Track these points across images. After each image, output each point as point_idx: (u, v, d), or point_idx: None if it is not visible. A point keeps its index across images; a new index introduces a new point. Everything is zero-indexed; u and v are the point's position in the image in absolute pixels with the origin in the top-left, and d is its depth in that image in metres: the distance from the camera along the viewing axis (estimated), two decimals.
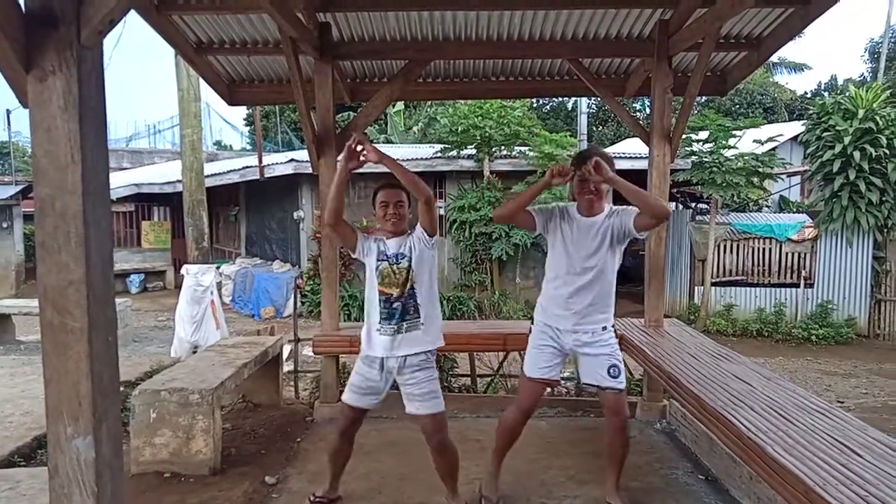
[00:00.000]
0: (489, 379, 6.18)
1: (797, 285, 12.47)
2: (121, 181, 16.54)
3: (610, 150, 16.19)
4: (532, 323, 3.39)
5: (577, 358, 3.29)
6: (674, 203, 15.26)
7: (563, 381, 5.52)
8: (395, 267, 3.09)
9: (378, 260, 3.14)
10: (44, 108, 1.64)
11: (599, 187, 3.11)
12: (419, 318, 3.11)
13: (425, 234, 3.09)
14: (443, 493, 3.28)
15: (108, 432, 1.79)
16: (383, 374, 3.10)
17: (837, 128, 11.51)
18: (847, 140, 11.32)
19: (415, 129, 22.65)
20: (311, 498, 3.33)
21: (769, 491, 2.94)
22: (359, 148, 2.94)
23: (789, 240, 12.48)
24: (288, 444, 4.26)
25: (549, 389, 3.60)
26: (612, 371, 3.15)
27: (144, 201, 17.08)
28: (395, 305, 3.08)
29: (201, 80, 7.35)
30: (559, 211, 3.25)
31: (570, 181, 3.12)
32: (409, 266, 3.08)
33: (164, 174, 17.42)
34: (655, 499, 3.46)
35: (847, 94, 12.12)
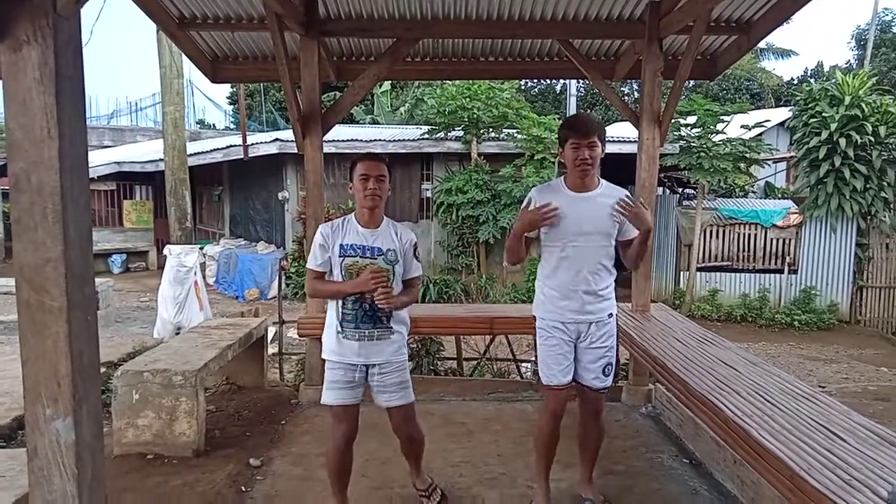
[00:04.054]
0: (476, 362, 6.18)
1: (781, 271, 12.58)
2: (102, 159, 16.29)
3: None
4: (535, 320, 3.11)
5: (576, 349, 3.03)
6: (661, 188, 15.29)
7: None
8: (369, 263, 2.76)
9: (343, 254, 2.78)
10: (18, 79, 1.58)
11: (595, 155, 2.86)
12: (391, 325, 2.84)
13: (414, 257, 2.88)
14: (428, 474, 3.27)
15: (89, 414, 1.75)
16: (356, 373, 2.85)
17: (824, 114, 11.57)
18: (833, 127, 11.38)
19: (402, 109, 22.49)
20: None
21: (753, 474, 2.97)
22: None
23: (774, 226, 12.57)
24: (272, 427, 4.24)
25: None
26: (606, 370, 2.99)
27: (126, 180, 16.84)
28: (364, 306, 2.77)
29: (184, 57, 7.19)
30: (539, 198, 2.96)
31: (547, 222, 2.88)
32: (393, 266, 2.79)
33: (146, 153, 17.17)
34: (640, 482, 3.49)
35: (834, 80, 12.17)
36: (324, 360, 2.97)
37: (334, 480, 2.94)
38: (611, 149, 12.55)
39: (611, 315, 3.03)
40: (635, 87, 24.15)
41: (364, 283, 2.70)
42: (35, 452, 1.70)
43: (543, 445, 3.09)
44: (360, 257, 2.77)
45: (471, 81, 12.50)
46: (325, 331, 2.92)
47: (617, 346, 3.10)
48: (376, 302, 2.72)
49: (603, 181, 3.03)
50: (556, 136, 3.08)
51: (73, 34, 1.64)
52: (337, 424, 2.87)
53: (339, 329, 2.82)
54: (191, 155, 12.72)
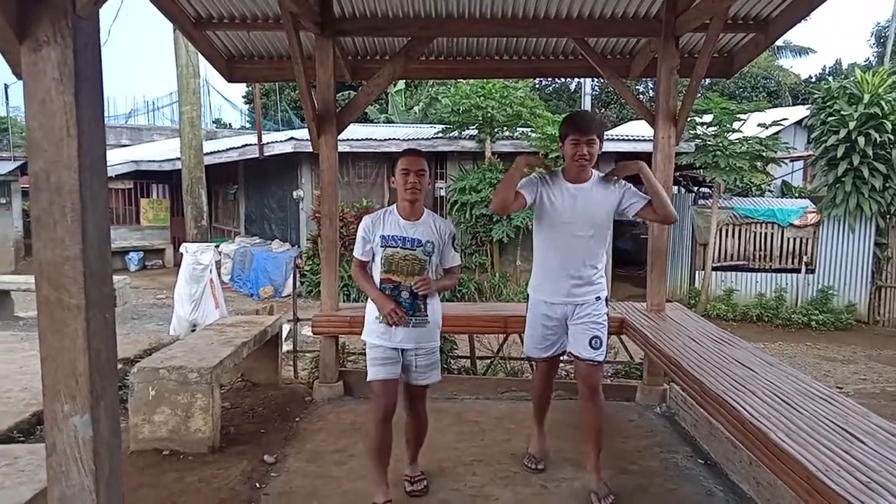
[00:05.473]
0: (489, 361, 6.17)
1: (798, 271, 12.46)
2: (120, 158, 16.47)
3: (613, 132, 16.12)
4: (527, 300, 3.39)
5: (567, 328, 3.27)
6: (676, 187, 15.18)
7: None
8: (408, 253, 2.93)
9: (384, 244, 2.94)
10: (38, 79, 1.60)
11: (593, 152, 3.07)
12: (427, 315, 3.01)
13: (452, 246, 3.05)
14: (441, 473, 3.28)
15: (106, 410, 1.77)
16: (393, 351, 2.99)
17: (842, 112, 11.42)
18: (852, 125, 11.24)
19: (416, 108, 22.49)
20: None
21: (769, 475, 2.94)
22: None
23: (791, 225, 12.44)
24: (287, 424, 4.26)
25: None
26: (593, 342, 3.17)
27: (143, 179, 17.02)
28: (403, 295, 2.95)
29: (200, 56, 7.26)
30: (540, 180, 3.21)
31: (541, 166, 3.22)
32: (430, 257, 2.96)
33: (163, 152, 17.33)
34: (654, 482, 3.47)
35: (853, 78, 12.00)
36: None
37: (375, 461, 3.00)
38: (626, 147, 12.50)
39: (598, 298, 3.22)
40: (651, 85, 24.00)
41: (383, 307, 2.91)
42: (53, 448, 1.72)
43: (535, 397, 3.56)
44: (401, 248, 2.93)
45: (485, 80, 12.47)
46: (366, 314, 3.07)
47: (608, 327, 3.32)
48: (415, 290, 2.92)
49: (595, 172, 3.22)
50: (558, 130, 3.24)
51: (92, 34, 1.66)
52: (376, 400, 2.98)
53: (378, 315, 2.98)
54: (207, 154, 12.83)
